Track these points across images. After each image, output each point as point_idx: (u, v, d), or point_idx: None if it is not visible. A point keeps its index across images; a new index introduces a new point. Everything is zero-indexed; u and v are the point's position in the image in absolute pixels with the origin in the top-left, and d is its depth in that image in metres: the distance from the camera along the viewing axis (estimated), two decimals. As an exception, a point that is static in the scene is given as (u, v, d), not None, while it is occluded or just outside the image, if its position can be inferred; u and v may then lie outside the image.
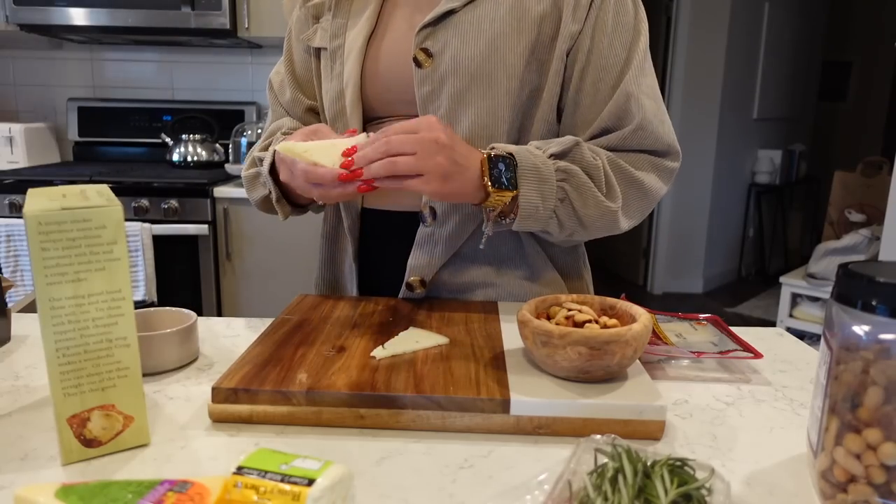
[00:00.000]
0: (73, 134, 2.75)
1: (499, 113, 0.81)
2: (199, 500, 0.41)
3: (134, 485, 0.43)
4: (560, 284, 0.91)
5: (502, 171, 0.74)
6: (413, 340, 0.70)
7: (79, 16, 2.33)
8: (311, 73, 0.93)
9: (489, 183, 0.73)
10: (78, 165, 2.63)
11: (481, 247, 0.82)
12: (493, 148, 0.76)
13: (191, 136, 2.61)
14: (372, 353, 0.67)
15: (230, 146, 2.49)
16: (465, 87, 0.80)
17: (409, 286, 0.88)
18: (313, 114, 0.95)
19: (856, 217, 3.32)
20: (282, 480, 0.42)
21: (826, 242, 3.09)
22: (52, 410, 0.52)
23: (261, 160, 0.88)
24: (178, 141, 2.61)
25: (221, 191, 2.27)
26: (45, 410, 0.62)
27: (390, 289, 0.90)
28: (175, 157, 2.60)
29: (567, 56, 0.82)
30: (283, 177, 0.80)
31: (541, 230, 0.80)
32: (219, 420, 0.59)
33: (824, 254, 3.01)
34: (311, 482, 0.42)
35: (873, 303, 0.43)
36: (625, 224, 0.81)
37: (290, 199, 0.88)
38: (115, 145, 2.78)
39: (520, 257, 0.89)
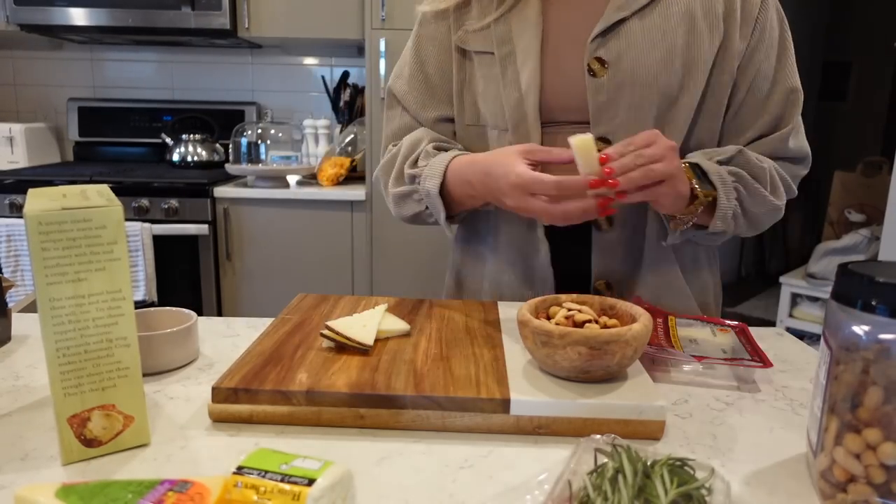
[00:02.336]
0: (73, 134, 2.75)
1: (669, 121, 0.83)
2: (199, 500, 0.41)
3: (134, 485, 0.43)
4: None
5: (699, 177, 0.79)
6: (360, 325, 0.70)
7: (79, 16, 2.33)
8: (449, 76, 0.92)
9: (697, 186, 0.77)
10: (78, 165, 2.63)
11: (664, 243, 0.86)
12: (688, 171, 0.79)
13: (191, 136, 2.62)
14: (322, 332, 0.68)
15: (230, 146, 2.49)
16: (641, 98, 0.82)
17: (596, 290, 0.90)
18: (443, 122, 0.94)
19: (856, 217, 3.32)
20: (282, 480, 0.42)
21: (826, 242, 3.09)
22: (53, 410, 0.52)
23: (412, 177, 0.88)
24: (178, 141, 2.61)
25: (221, 191, 2.27)
26: (45, 410, 0.62)
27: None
28: (175, 157, 2.60)
29: (738, 70, 0.85)
30: (462, 192, 0.83)
31: (716, 232, 0.83)
32: (219, 420, 0.59)
33: (824, 254, 3.01)
34: (311, 482, 0.42)
35: (873, 303, 0.43)
36: (782, 212, 0.88)
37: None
38: (115, 145, 2.78)
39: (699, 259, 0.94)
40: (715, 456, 0.55)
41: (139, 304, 1.89)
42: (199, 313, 1.94)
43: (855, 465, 0.44)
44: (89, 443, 0.53)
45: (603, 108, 0.83)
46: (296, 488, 0.41)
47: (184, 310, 0.75)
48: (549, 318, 0.66)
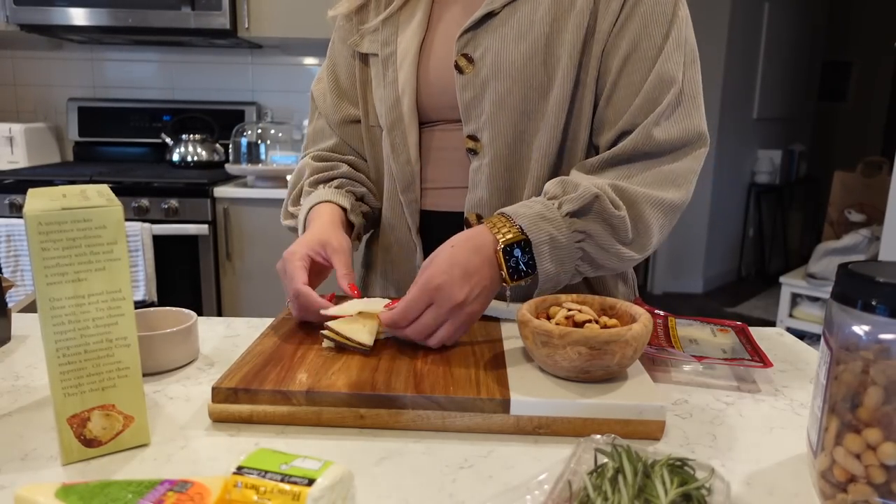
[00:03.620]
0: (73, 134, 2.75)
1: (540, 115, 0.80)
2: (199, 500, 0.41)
3: (134, 485, 0.43)
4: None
5: (518, 259, 0.71)
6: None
7: (79, 16, 2.33)
8: (353, 80, 0.92)
9: (507, 278, 0.71)
10: (78, 165, 2.63)
11: (507, 306, 0.80)
12: (501, 220, 0.72)
13: (191, 136, 2.61)
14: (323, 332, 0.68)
15: (230, 146, 2.49)
16: (506, 92, 0.79)
17: None
18: (351, 124, 0.94)
19: (856, 217, 3.32)
20: (282, 480, 0.42)
21: (826, 242, 3.09)
22: (52, 410, 0.52)
23: (293, 216, 0.92)
24: (178, 141, 2.61)
25: (221, 191, 2.27)
26: (45, 410, 0.62)
27: None
28: (175, 157, 2.60)
29: (602, 54, 0.79)
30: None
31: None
32: (219, 420, 0.59)
33: (824, 254, 3.01)
34: (311, 482, 0.42)
35: (873, 303, 0.43)
36: (650, 252, 0.80)
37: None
38: (115, 145, 2.78)
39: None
40: (715, 456, 0.55)
41: (139, 304, 1.89)
42: (199, 313, 1.94)
43: (855, 465, 0.44)
44: (89, 443, 0.53)
45: (470, 105, 0.81)
46: (296, 488, 0.41)
47: (184, 310, 0.75)
48: (549, 318, 0.66)
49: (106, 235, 0.50)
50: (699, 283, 4.43)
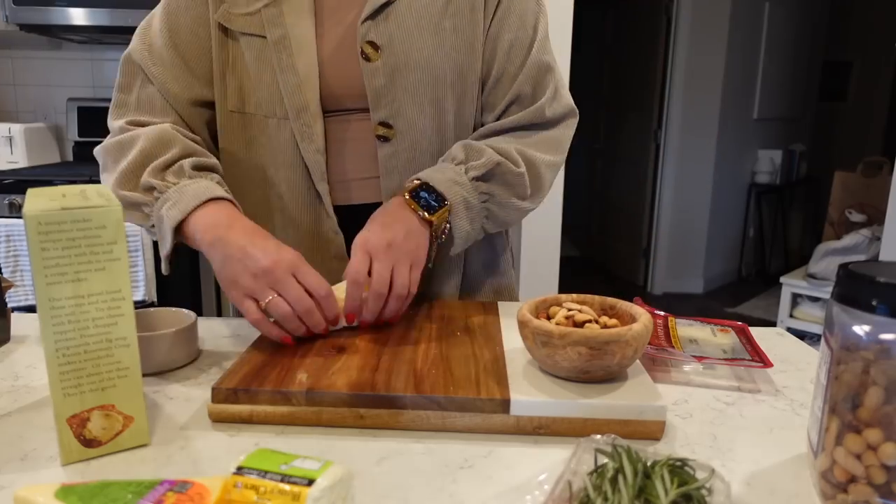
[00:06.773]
0: (73, 134, 2.74)
1: (444, 100, 0.85)
2: (199, 500, 0.41)
3: (134, 485, 0.43)
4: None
5: (427, 197, 0.79)
6: None
7: (79, 16, 2.33)
8: (202, 53, 0.84)
9: (424, 213, 0.77)
10: (78, 165, 2.62)
11: (430, 265, 0.82)
12: (415, 180, 0.81)
13: (191, 136, 2.61)
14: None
15: (230, 146, 2.49)
16: (418, 81, 0.83)
17: None
18: (200, 106, 0.86)
19: (856, 217, 3.32)
20: (282, 480, 0.42)
21: (826, 242, 3.09)
22: (52, 410, 0.52)
23: (150, 188, 0.76)
24: (178, 141, 2.61)
25: (221, 191, 2.27)
26: (45, 410, 0.62)
27: None
28: (175, 157, 2.60)
29: (486, 37, 0.86)
30: (218, 267, 0.73)
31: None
32: (219, 420, 0.59)
33: (825, 254, 3.01)
34: (311, 482, 0.42)
35: (873, 303, 0.43)
36: (540, 202, 0.90)
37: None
38: (115, 145, 2.78)
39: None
40: (715, 456, 0.55)
41: (139, 304, 1.89)
42: (199, 313, 1.94)
43: (855, 466, 0.44)
44: (89, 443, 0.53)
45: (381, 92, 0.83)
46: (296, 488, 0.41)
47: (184, 310, 0.75)
48: (549, 318, 0.66)
49: (106, 235, 0.50)
50: (699, 284, 4.43)
